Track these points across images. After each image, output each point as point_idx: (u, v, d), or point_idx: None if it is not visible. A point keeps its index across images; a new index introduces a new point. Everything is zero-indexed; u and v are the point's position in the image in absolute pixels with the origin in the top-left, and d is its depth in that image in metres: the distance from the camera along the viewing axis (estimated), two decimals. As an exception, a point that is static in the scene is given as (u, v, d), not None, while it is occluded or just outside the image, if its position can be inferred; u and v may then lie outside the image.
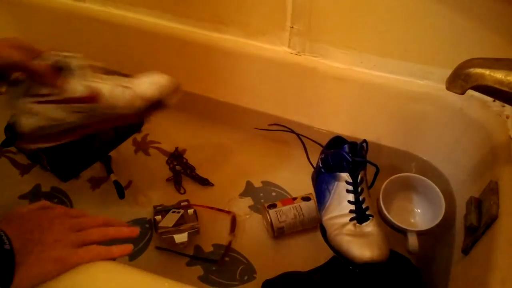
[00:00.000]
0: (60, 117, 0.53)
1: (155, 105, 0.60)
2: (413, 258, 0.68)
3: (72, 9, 1.03)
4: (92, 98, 0.53)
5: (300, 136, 0.91)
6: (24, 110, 0.52)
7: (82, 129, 0.57)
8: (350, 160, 0.66)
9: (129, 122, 0.59)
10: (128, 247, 0.50)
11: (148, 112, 0.60)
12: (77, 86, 0.52)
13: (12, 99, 0.52)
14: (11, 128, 0.86)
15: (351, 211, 0.66)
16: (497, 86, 0.48)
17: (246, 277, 0.69)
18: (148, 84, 0.58)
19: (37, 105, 0.52)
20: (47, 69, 0.50)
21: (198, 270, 0.70)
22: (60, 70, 0.52)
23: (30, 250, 0.43)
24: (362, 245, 0.61)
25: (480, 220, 0.58)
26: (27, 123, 0.52)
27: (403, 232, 0.69)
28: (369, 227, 0.64)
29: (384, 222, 0.69)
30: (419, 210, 0.74)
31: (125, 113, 0.57)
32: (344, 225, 0.65)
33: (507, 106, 0.72)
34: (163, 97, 0.59)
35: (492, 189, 0.59)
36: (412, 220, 0.73)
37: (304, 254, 0.72)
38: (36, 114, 0.52)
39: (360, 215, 0.65)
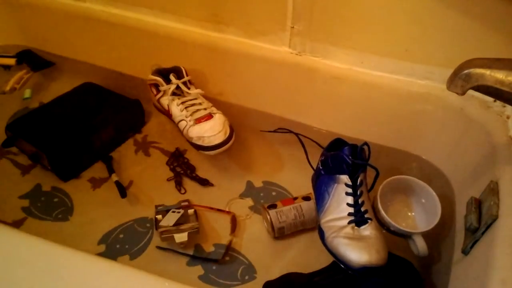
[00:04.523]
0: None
1: None
2: (413, 259, 0.68)
3: (72, 9, 1.03)
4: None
5: (300, 137, 0.91)
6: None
7: None
8: (350, 162, 0.66)
9: None
10: None
11: None
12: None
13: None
14: (11, 128, 0.86)
15: (349, 214, 0.65)
16: (497, 86, 0.48)
17: (246, 277, 0.69)
18: None
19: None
20: None
21: (198, 269, 0.70)
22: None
23: None
24: (360, 248, 0.60)
25: (480, 221, 0.58)
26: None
27: (402, 235, 0.68)
28: (368, 230, 0.63)
29: (382, 226, 0.69)
30: (413, 213, 0.73)
31: None
32: (342, 228, 0.64)
33: (508, 107, 0.72)
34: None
35: (493, 190, 0.59)
36: (404, 224, 0.72)
37: (305, 254, 0.72)
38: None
39: (358, 218, 0.65)
